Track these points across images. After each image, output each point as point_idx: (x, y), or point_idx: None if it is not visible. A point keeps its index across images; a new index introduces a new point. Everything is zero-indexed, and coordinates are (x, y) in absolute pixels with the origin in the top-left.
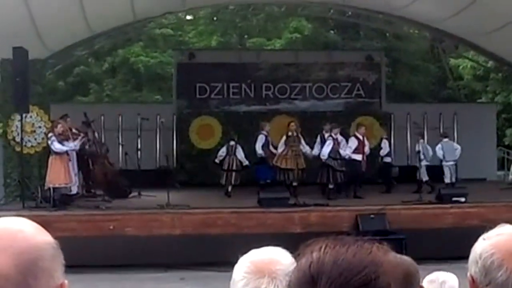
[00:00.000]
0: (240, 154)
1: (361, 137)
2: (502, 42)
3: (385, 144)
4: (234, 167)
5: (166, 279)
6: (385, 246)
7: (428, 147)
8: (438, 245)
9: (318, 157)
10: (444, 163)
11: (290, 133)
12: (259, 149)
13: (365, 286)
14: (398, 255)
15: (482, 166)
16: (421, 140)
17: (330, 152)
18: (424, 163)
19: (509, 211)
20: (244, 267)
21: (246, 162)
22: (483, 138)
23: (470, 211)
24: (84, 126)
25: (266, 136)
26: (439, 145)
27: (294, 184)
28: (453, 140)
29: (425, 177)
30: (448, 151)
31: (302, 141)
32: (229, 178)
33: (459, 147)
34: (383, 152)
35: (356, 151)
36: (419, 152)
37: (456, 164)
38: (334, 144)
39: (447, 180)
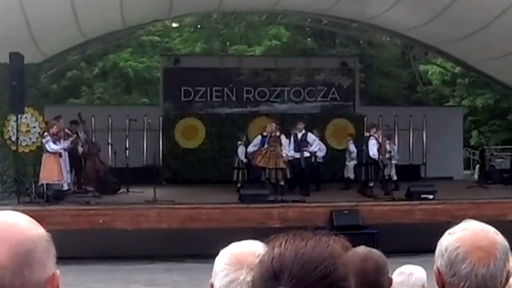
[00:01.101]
0: (240, 153)
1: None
2: (468, 50)
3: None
4: (238, 165)
5: (153, 270)
6: (342, 238)
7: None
8: (408, 239)
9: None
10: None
11: (266, 134)
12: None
13: (324, 279)
14: (368, 248)
15: (449, 166)
16: (387, 141)
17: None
18: (393, 161)
19: (474, 208)
20: (225, 259)
21: (244, 160)
22: (450, 140)
23: (438, 207)
24: (73, 125)
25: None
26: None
27: (281, 183)
28: (422, 141)
29: (394, 176)
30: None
31: (283, 142)
32: (237, 175)
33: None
34: (353, 155)
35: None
36: (390, 152)
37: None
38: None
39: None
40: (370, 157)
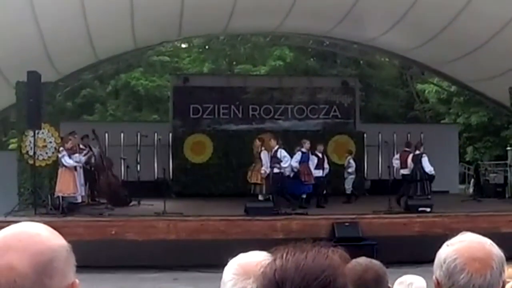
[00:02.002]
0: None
1: (320, 155)
2: (463, 70)
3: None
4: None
5: (161, 279)
6: (340, 250)
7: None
8: (406, 250)
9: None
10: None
11: (305, 150)
12: (295, 164)
13: None
14: (369, 259)
15: (446, 180)
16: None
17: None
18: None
19: (470, 220)
20: (233, 269)
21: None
22: (446, 155)
23: (435, 220)
24: (85, 140)
25: (304, 153)
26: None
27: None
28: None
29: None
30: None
31: (262, 157)
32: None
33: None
34: (351, 169)
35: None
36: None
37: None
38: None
39: None
40: (427, 173)
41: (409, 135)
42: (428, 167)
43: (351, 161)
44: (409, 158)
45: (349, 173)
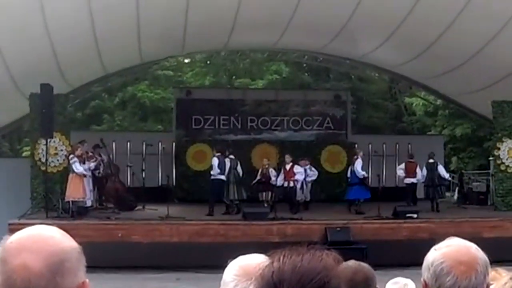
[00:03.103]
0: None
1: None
2: (448, 84)
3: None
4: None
5: (164, 279)
6: (333, 253)
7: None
8: (394, 254)
9: None
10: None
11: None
12: (362, 171)
13: None
14: (358, 262)
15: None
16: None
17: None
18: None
19: (454, 226)
20: (234, 270)
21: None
22: None
23: (421, 225)
24: (96, 149)
25: (362, 160)
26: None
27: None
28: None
29: None
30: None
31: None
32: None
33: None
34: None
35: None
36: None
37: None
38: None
39: None
40: (443, 179)
41: (397, 145)
42: (446, 174)
43: (313, 169)
44: (417, 168)
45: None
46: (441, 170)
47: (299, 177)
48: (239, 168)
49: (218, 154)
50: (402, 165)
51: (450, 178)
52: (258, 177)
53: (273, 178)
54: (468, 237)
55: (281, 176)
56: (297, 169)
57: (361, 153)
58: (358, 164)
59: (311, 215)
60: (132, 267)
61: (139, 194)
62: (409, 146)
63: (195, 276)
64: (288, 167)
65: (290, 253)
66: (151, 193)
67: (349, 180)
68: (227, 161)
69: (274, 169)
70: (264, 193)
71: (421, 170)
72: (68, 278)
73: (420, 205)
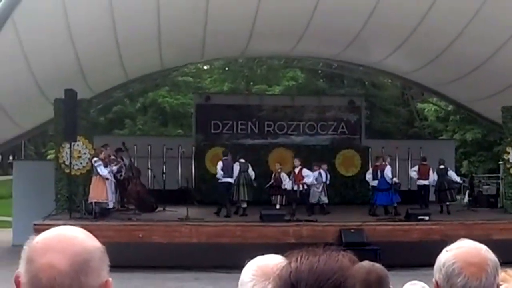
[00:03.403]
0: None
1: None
2: (459, 90)
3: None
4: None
5: (183, 278)
6: (349, 254)
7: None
8: (407, 255)
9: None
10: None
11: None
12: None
13: None
14: (372, 262)
15: None
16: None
17: None
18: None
19: (465, 228)
20: (252, 271)
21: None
22: None
23: (433, 228)
24: (119, 152)
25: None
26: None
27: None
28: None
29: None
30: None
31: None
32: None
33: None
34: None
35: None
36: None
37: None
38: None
39: None
40: (455, 183)
41: (409, 149)
42: (456, 177)
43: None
44: (430, 171)
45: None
46: (452, 174)
47: (308, 180)
48: (250, 171)
49: (225, 158)
50: (416, 167)
51: (461, 181)
52: (271, 181)
53: (284, 182)
54: (478, 239)
55: (291, 180)
56: (305, 172)
57: (388, 159)
58: (388, 170)
59: (326, 217)
60: (152, 267)
61: (159, 196)
62: (421, 150)
63: (213, 276)
64: (296, 170)
65: (307, 254)
66: (171, 195)
67: (376, 186)
68: (236, 164)
69: (286, 173)
70: (274, 197)
71: (433, 173)
72: (92, 277)
73: (431, 208)
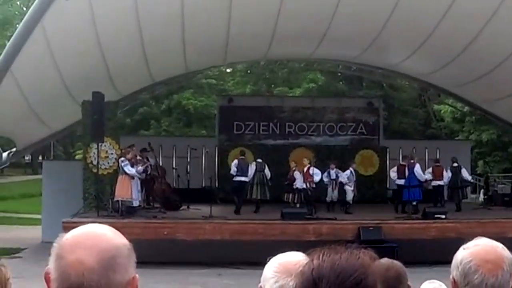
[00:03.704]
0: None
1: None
2: (474, 92)
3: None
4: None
5: (207, 274)
6: (370, 251)
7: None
8: (424, 252)
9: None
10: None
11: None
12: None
13: (357, 285)
14: (390, 260)
15: None
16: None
17: None
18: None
19: (480, 226)
20: (274, 267)
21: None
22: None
23: (449, 226)
24: (144, 152)
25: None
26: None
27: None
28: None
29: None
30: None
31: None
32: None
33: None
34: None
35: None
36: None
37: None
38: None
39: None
40: (466, 181)
41: (426, 150)
42: (468, 176)
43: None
44: (444, 171)
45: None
46: (464, 173)
47: (316, 178)
48: (266, 171)
49: (241, 157)
50: (430, 169)
51: (473, 180)
52: (287, 180)
53: (296, 181)
54: (493, 236)
55: (301, 179)
56: (314, 171)
57: (416, 158)
58: (418, 169)
59: (345, 216)
60: (176, 263)
61: (184, 195)
62: (437, 150)
63: (235, 272)
64: (305, 169)
65: (329, 252)
66: (195, 194)
67: (405, 183)
68: (253, 164)
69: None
70: (286, 195)
71: (447, 171)
72: (119, 273)
73: (447, 207)
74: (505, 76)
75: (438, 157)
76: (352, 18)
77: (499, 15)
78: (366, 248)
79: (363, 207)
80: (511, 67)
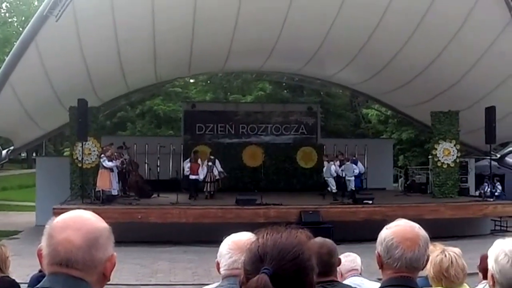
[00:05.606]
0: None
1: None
2: (396, 99)
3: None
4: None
5: (174, 251)
6: (306, 231)
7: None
8: (355, 231)
9: None
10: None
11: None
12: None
13: (295, 259)
14: (323, 238)
15: (383, 180)
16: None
17: None
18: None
19: (401, 209)
20: (228, 245)
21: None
22: (384, 162)
23: (375, 209)
24: (120, 149)
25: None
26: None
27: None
28: (364, 163)
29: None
30: (348, 170)
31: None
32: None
33: (357, 167)
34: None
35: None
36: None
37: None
38: None
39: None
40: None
41: (356, 147)
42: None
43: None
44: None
45: (331, 175)
46: (359, 166)
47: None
48: (217, 164)
49: (193, 161)
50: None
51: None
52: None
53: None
54: (412, 218)
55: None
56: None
57: (356, 155)
58: (359, 165)
59: (289, 202)
60: (149, 242)
61: (154, 185)
62: (366, 147)
63: (198, 250)
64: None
65: (272, 231)
66: (164, 184)
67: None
68: (205, 165)
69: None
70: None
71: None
72: (101, 251)
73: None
74: (421, 85)
75: (366, 152)
76: (295, 37)
77: (419, 31)
78: (303, 228)
79: (304, 194)
80: (426, 78)
